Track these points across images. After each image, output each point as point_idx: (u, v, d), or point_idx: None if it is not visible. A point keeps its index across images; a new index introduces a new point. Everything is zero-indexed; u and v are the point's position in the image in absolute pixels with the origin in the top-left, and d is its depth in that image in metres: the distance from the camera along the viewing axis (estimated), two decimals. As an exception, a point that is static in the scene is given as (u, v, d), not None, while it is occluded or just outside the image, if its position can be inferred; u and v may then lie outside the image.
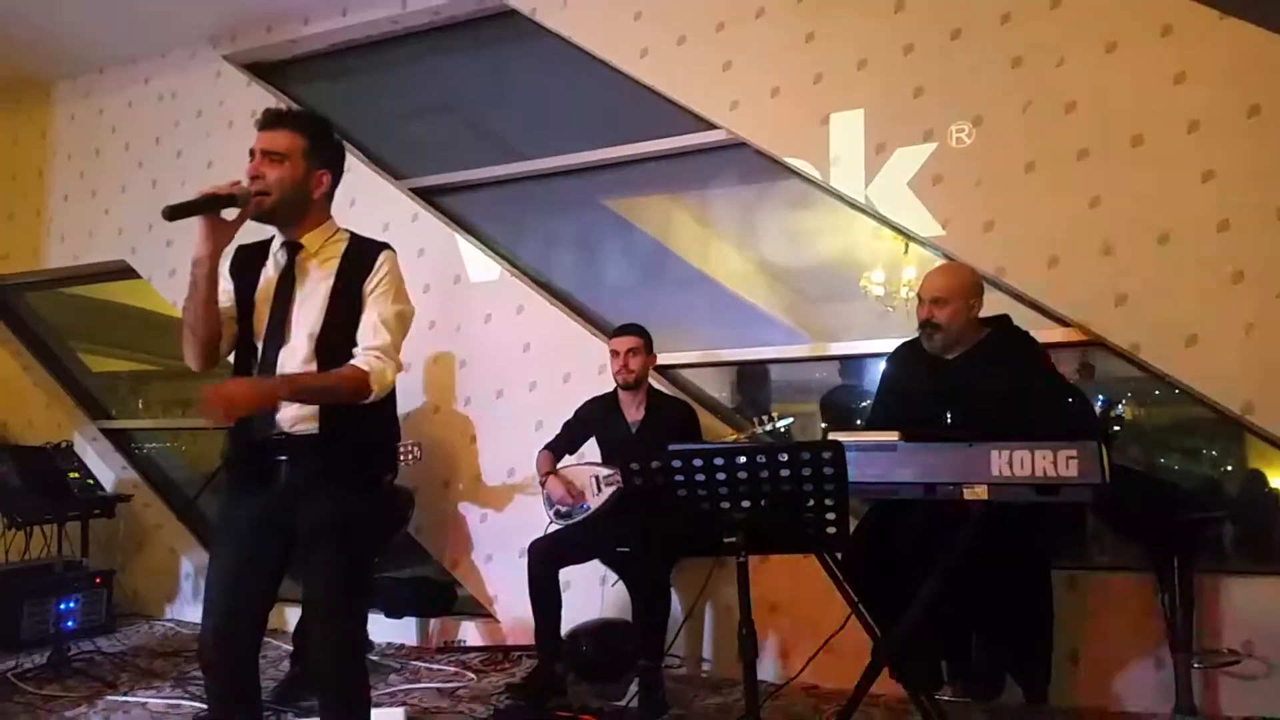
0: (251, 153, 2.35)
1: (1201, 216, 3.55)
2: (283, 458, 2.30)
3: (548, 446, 4.13)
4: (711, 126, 4.52)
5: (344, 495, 2.30)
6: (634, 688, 3.71)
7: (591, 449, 4.20)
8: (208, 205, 2.24)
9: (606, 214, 5.13)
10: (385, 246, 2.45)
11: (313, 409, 2.29)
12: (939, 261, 3.93)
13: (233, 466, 2.41)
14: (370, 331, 2.33)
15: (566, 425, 4.16)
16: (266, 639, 4.61)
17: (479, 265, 4.96)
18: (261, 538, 2.32)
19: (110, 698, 3.93)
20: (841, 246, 4.63)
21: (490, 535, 4.76)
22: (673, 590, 3.88)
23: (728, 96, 4.45)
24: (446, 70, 5.42)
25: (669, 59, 4.59)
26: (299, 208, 2.37)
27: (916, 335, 3.33)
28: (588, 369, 4.47)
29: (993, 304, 3.51)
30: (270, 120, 2.38)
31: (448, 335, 4.94)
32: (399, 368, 2.37)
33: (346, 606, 2.33)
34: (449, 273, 4.99)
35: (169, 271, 5.56)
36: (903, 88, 4.09)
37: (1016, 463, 2.52)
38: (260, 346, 2.34)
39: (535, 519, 4.15)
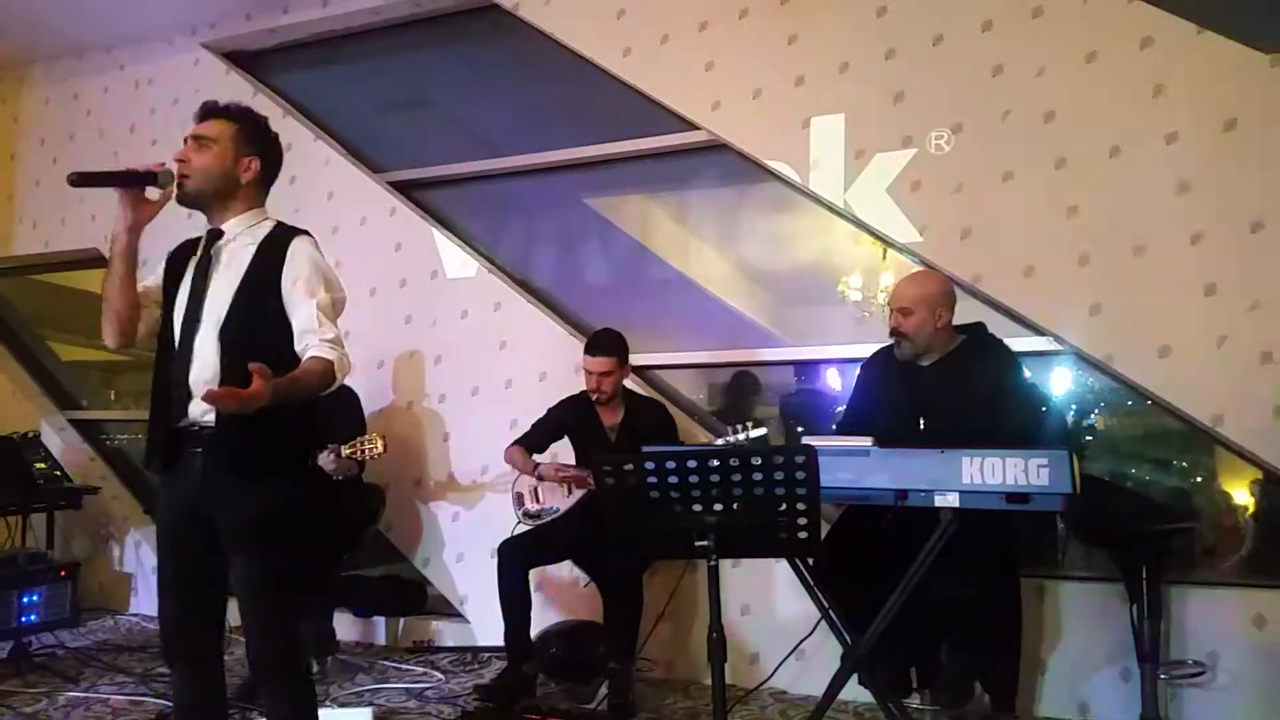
0: (185, 141, 2.39)
1: (1176, 228, 3.57)
2: (197, 449, 2.30)
3: (518, 442, 4.10)
4: (693, 127, 4.51)
5: (255, 491, 2.29)
6: (604, 690, 3.70)
7: (563, 448, 4.17)
8: (120, 180, 2.30)
9: (587, 212, 5.11)
10: (302, 233, 2.43)
11: None
12: (916, 268, 3.93)
13: (153, 456, 2.40)
14: (316, 322, 2.30)
15: (539, 423, 4.13)
16: (230, 636, 4.61)
17: (456, 261, 4.92)
18: (194, 535, 2.32)
19: (71, 693, 3.88)
20: (820, 251, 4.63)
21: (462, 534, 4.72)
22: (644, 592, 3.87)
23: (709, 97, 4.44)
24: (427, 63, 5.38)
25: (651, 58, 4.57)
26: (225, 193, 2.39)
27: (891, 342, 3.33)
28: (564, 368, 4.45)
29: (969, 311, 3.52)
30: (205, 111, 2.43)
31: (423, 331, 4.91)
32: (347, 355, 2.36)
33: (268, 602, 2.34)
34: (426, 268, 4.95)
35: (141, 260, 5.48)
36: (883, 93, 4.10)
37: (988, 470, 2.53)
38: (177, 334, 2.36)
39: (508, 519, 4.12)
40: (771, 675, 3.05)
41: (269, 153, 2.46)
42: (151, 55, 5.82)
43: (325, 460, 3.90)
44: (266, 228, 2.44)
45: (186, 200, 2.38)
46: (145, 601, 5.53)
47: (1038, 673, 3.58)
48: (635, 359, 4.46)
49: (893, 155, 4.09)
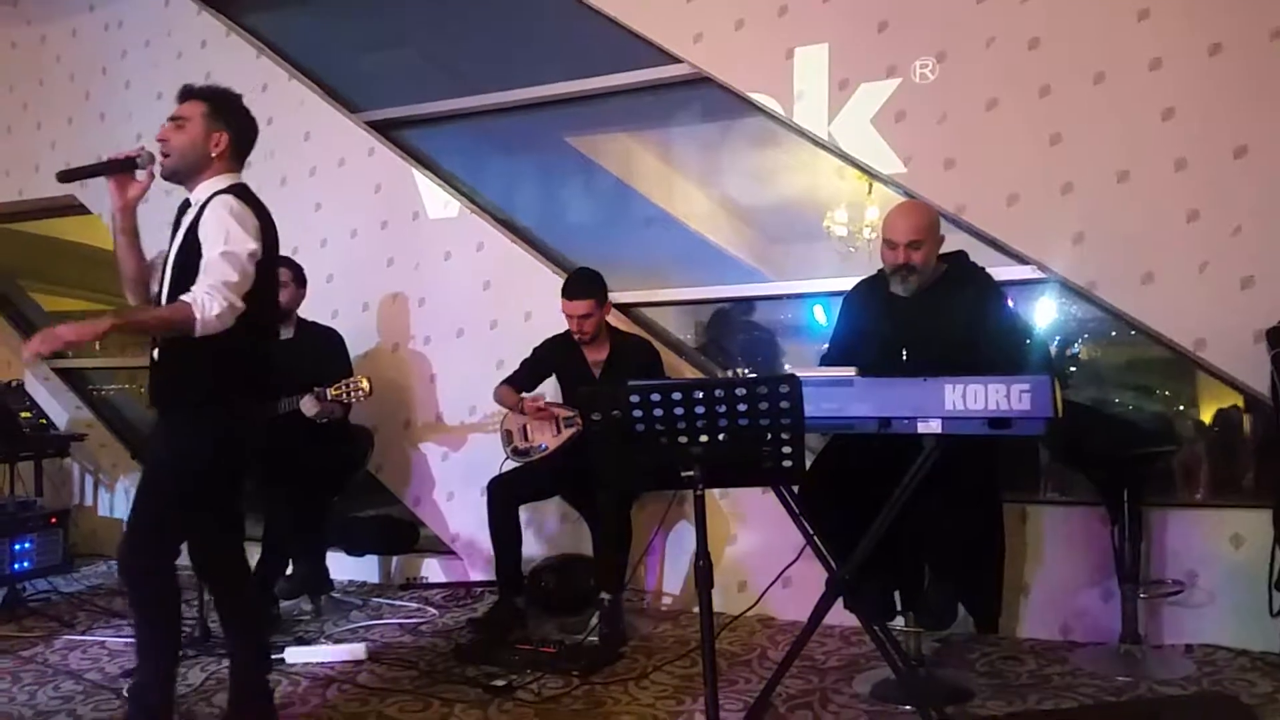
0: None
1: (1160, 155, 3.56)
2: (144, 388, 2.71)
3: (507, 381, 4.11)
4: (675, 60, 4.45)
5: (163, 426, 2.67)
6: (595, 621, 3.75)
7: (551, 387, 4.19)
8: (105, 169, 2.62)
9: (569, 151, 5.06)
10: (223, 192, 2.63)
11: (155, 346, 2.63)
12: (900, 200, 3.91)
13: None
14: (202, 271, 2.50)
15: (525, 362, 4.14)
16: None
17: (438, 202, 4.88)
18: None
19: (68, 637, 3.92)
20: (805, 186, 4.61)
21: (452, 474, 4.75)
22: (632, 524, 3.91)
23: (691, 29, 4.37)
24: (403, 0, 5.27)
25: (631, -11, 4.50)
26: (198, 166, 2.66)
27: (875, 274, 3.33)
28: (549, 307, 4.40)
29: (953, 241, 3.51)
30: (181, 95, 2.72)
31: (406, 273, 4.88)
32: (228, 305, 2.47)
33: (135, 517, 2.66)
34: (407, 209, 4.91)
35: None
36: (867, 21, 4.04)
37: (970, 397, 2.53)
38: (161, 291, 2.67)
39: (496, 457, 4.15)
40: (758, 601, 3.09)
41: (238, 126, 2.71)
42: (121, -4, 5.69)
43: (307, 404, 3.90)
44: (215, 188, 2.65)
45: (168, 176, 2.67)
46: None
47: (1021, 595, 3.65)
48: (620, 297, 4.48)
49: (877, 85, 4.05)
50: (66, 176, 2.60)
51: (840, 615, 2.92)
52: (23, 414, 5.05)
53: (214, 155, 2.66)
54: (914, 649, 3.16)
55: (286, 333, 4.21)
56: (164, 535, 2.65)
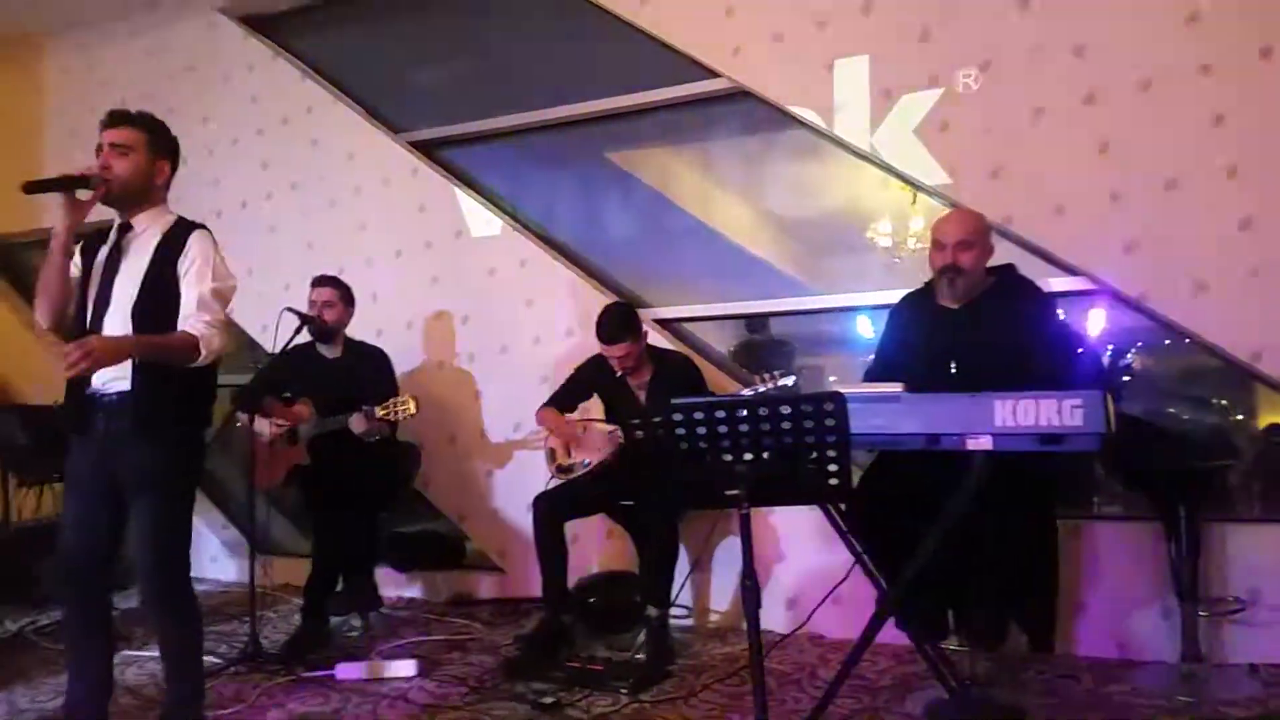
0: (99, 148, 2.67)
1: (1211, 162, 3.49)
2: (101, 413, 2.63)
3: (550, 402, 4.12)
4: (714, 75, 4.45)
5: (152, 450, 2.63)
6: (641, 638, 3.74)
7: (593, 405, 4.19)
8: (65, 184, 2.58)
9: (609, 167, 5.07)
10: (199, 227, 2.76)
11: (125, 370, 2.60)
12: (947, 211, 3.87)
13: (65, 419, 2.72)
14: (197, 304, 2.64)
15: (567, 383, 4.14)
16: (277, 594, 4.72)
17: (480, 220, 4.91)
18: (96, 483, 2.66)
19: (126, 652, 3.97)
20: (847, 197, 4.57)
21: (497, 489, 4.77)
22: (678, 541, 3.89)
23: (730, 43, 4.37)
24: (444, 21, 5.33)
25: (670, 5, 4.51)
26: (141, 193, 2.70)
27: (921, 286, 3.29)
28: (591, 323, 4.40)
29: (999, 253, 3.46)
30: (116, 119, 2.71)
31: (450, 291, 4.92)
32: (224, 338, 2.70)
33: (158, 543, 2.67)
34: (450, 228, 4.95)
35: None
36: (909, 32, 4.02)
37: (1021, 412, 2.50)
38: (89, 314, 2.67)
39: (541, 473, 4.16)
40: (807, 620, 3.06)
41: (174, 158, 2.80)
42: (166, 22, 5.81)
43: (356, 422, 3.94)
44: (169, 221, 2.76)
45: (110, 200, 2.67)
46: (192, 564, 5.63)
47: (1076, 613, 3.58)
48: (662, 312, 4.48)
49: (920, 95, 4.02)
50: (31, 188, 2.56)
51: (892, 633, 2.88)
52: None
53: (157, 184, 2.75)
54: (967, 668, 3.11)
55: (334, 352, 4.27)
56: (187, 555, 2.80)
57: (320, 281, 4.27)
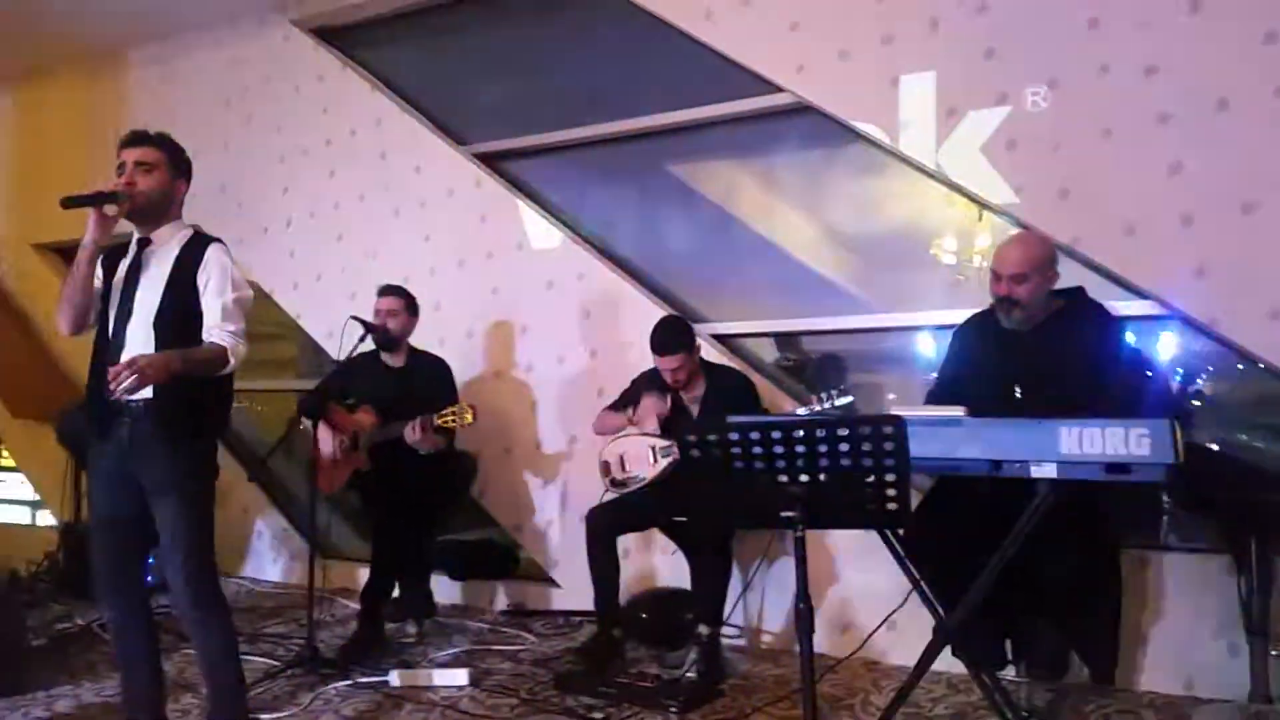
0: (121, 165, 2.79)
1: (1290, 184, 3.39)
2: (125, 419, 2.72)
3: (610, 408, 4.13)
4: (778, 89, 4.44)
5: (174, 454, 2.73)
6: (692, 656, 3.72)
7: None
8: (99, 199, 2.69)
9: (670, 180, 5.08)
10: (215, 241, 2.87)
11: None
12: (1013, 230, 3.82)
13: (89, 423, 2.82)
14: (220, 315, 2.75)
15: (627, 392, 4.15)
16: (335, 599, 4.79)
17: (541, 232, 4.96)
18: (122, 489, 2.76)
19: (187, 650, 4.06)
20: (912, 213, 4.51)
21: (551, 501, 4.80)
22: (732, 558, 3.88)
23: (794, 59, 4.35)
24: (509, 34, 5.38)
25: (734, 20, 4.50)
26: (162, 209, 2.82)
27: (986, 307, 3.24)
28: (648, 336, 4.45)
29: (1068, 274, 3.40)
30: (137, 139, 2.84)
31: (509, 302, 4.97)
32: (246, 346, 2.80)
33: (182, 547, 2.74)
34: (511, 240, 5.00)
35: (239, 236, 5.62)
36: (975, 49, 3.96)
37: (1086, 440, 2.44)
38: (111, 324, 2.78)
39: (594, 486, 4.16)
40: (862, 645, 3.02)
41: (189, 176, 2.92)
42: (243, 34, 5.96)
43: (407, 433, 3.98)
44: (186, 235, 2.87)
45: (132, 215, 2.78)
46: (253, 565, 5.77)
47: (1140, 646, 3.48)
48: (719, 328, 4.47)
49: (986, 113, 3.97)
50: (68, 203, 2.68)
51: (948, 661, 2.84)
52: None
53: (176, 200, 2.87)
54: (1025, 699, 3.05)
55: (397, 360, 4.33)
56: (212, 556, 2.86)
57: (385, 291, 4.34)
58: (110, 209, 2.70)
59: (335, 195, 5.57)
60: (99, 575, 2.83)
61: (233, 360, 2.74)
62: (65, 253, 6.72)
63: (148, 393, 2.68)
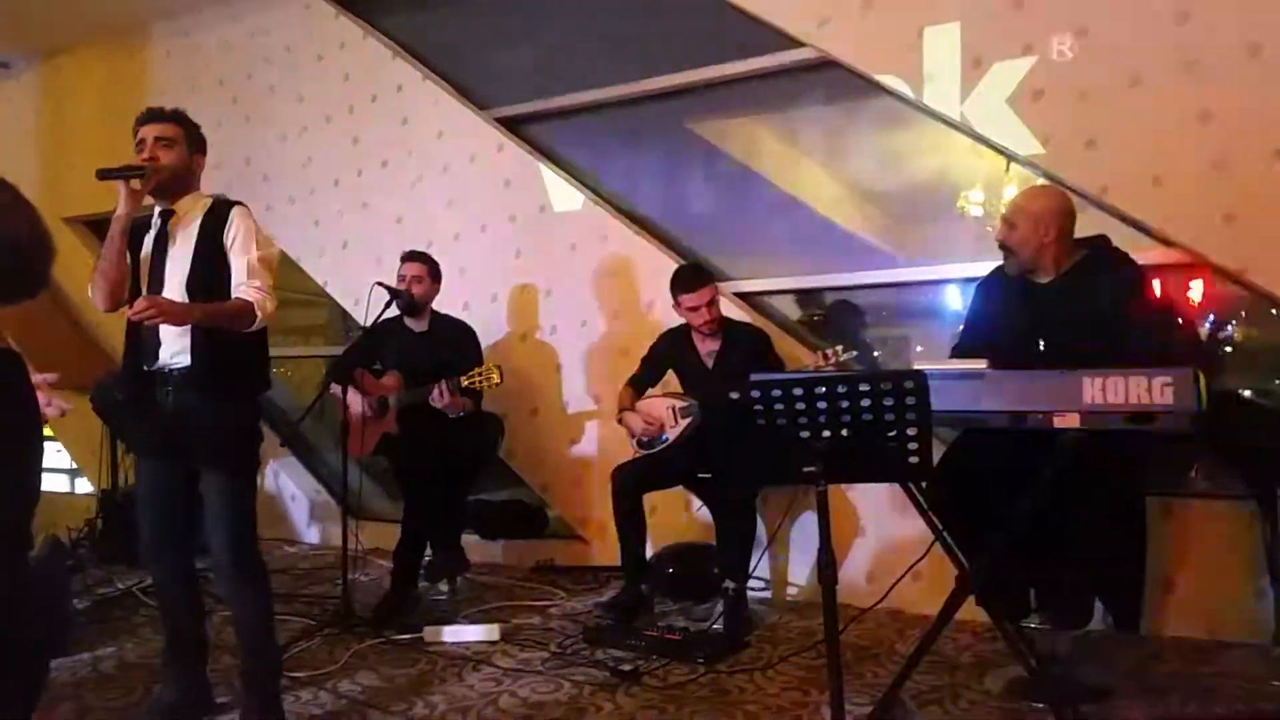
0: (141, 142, 2.84)
1: (1322, 129, 3.33)
2: (168, 388, 2.78)
3: (629, 382, 4.18)
4: (799, 45, 4.40)
5: (219, 418, 2.78)
6: (719, 609, 3.78)
7: (674, 377, 4.22)
8: (128, 173, 2.75)
9: (691, 138, 5.06)
10: (237, 204, 2.91)
11: (185, 345, 2.76)
12: (1040, 180, 3.79)
13: (127, 392, 2.88)
14: (247, 272, 2.80)
15: (644, 360, 4.20)
16: (369, 558, 4.88)
17: (563, 195, 4.97)
18: (167, 455, 2.83)
19: (223, 613, 4.15)
20: (937, 166, 4.48)
21: (578, 461, 4.85)
22: (756, 513, 3.91)
23: (817, 13, 4.31)
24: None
25: (755, -26, 4.46)
26: (183, 183, 2.89)
27: (1007, 261, 3.23)
28: (670, 297, 4.46)
29: (1095, 224, 3.38)
30: (155, 115, 2.89)
31: (532, 265, 5.00)
32: (274, 302, 2.82)
33: (230, 512, 2.79)
34: (534, 203, 5.02)
35: (265, 206, 5.69)
36: (1000, -2, 3.91)
37: (1110, 390, 2.43)
38: (143, 293, 2.79)
39: (621, 445, 4.21)
40: (885, 595, 3.05)
41: (204, 150, 2.98)
42: (264, 5, 5.99)
43: (434, 397, 4.03)
44: (208, 203, 2.92)
45: (156, 190, 2.83)
46: (287, 528, 5.88)
47: (1164, 592, 3.50)
48: (742, 285, 4.49)
49: (1012, 64, 3.92)
50: (102, 175, 2.75)
51: (972, 610, 2.86)
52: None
53: (195, 173, 2.94)
54: (1050, 647, 3.07)
55: (420, 325, 4.37)
56: (254, 521, 2.91)
57: (409, 257, 4.37)
58: (136, 183, 2.75)
59: (359, 163, 5.60)
60: (146, 540, 2.89)
61: (259, 314, 2.77)
62: (94, 225, 6.81)
63: (186, 359, 2.75)
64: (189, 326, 2.75)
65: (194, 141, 2.92)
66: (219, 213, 2.87)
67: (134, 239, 2.86)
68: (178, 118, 2.91)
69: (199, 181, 2.96)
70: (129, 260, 2.86)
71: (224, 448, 2.80)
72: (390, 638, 3.71)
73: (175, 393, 2.77)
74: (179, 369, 2.77)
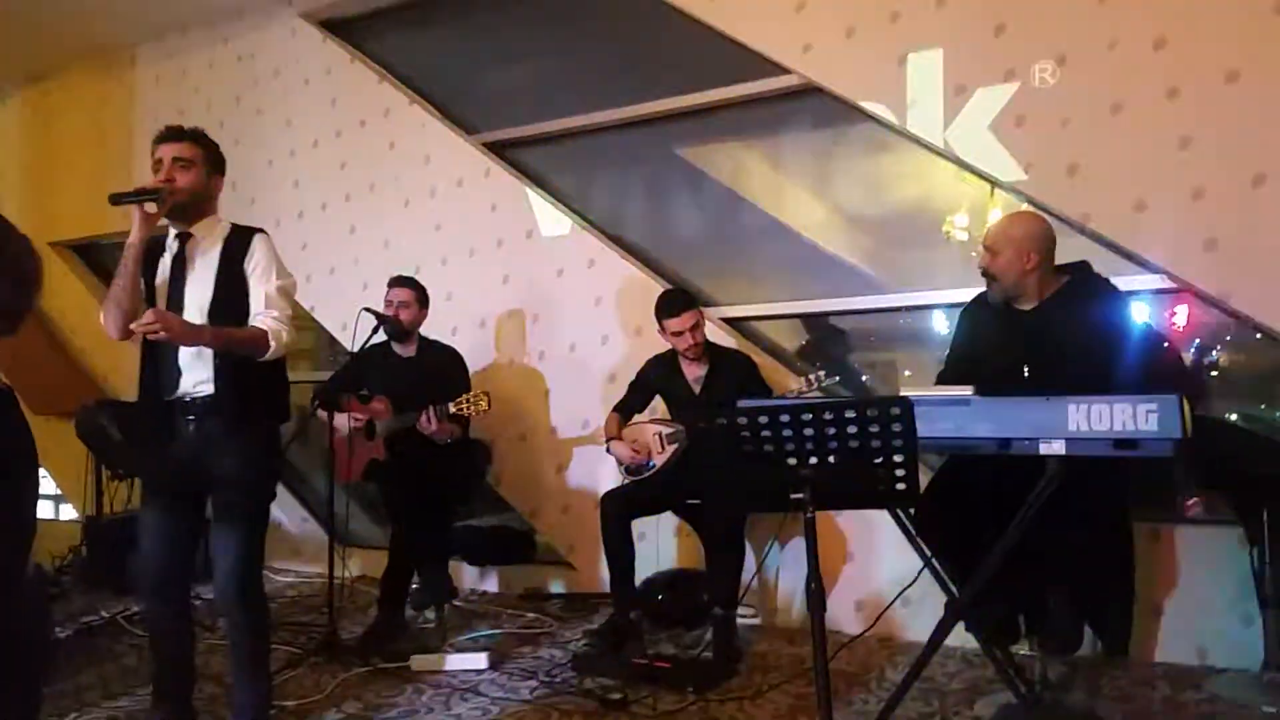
0: (158, 162, 2.78)
1: (1301, 155, 3.37)
2: (190, 417, 2.74)
3: (616, 408, 4.18)
4: (784, 71, 4.43)
5: (241, 448, 2.76)
6: (708, 636, 3.76)
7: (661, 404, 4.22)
8: (142, 196, 2.68)
9: (678, 163, 5.08)
10: (259, 231, 2.89)
11: (209, 374, 2.73)
12: (1023, 206, 3.82)
13: (147, 422, 2.85)
14: (265, 301, 2.79)
15: (632, 386, 4.20)
16: (355, 586, 4.84)
17: (550, 220, 4.98)
18: (181, 487, 2.77)
19: (209, 640, 4.12)
20: (922, 191, 4.51)
21: (566, 487, 4.84)
22: (744, 539, 3.90)
23: (800, 39, 4.35)
24: (515, 22, 5.38)
25: (739, 2, 4.49)
26: (201, 205, 2.83)
27: (991, 288, 3.25)
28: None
29: (1078, 250, 3.39)
30: (173, 134, 2.83)
31: (520, 290, 5.00)
32: (292, 332, 2.83)
33: (242, 540, 2.77)
34: (521, 228, 5.02)
35: (253, 230, 5.67)
36: (983, 25, 3.95)
37: (1094, 417, 2.45)
38: None
39: (610, 471, 4.21)
40: (875, 622, 3.05)
41: (224, 171, 2.92)
42: (252, 28, 5.99)
43: (423, 424, 4.01)
44: (225, 229, 2.88)
45: (172, 212, 2.76)
46: (273, 555, 5.81)
47: (1154, 617, 3.50)
48: (728, 311, 4.49)
49: (995, 90, 3.96)
50: (115, 199, 2.67)
51: (963, 636, 2.86)
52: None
53: (214, 195, 2.88)
54: (1040, 673, 3.06)
55: (408, 351, 4.36)
56: (263, 552, 2.90)
57: (396, 282, 4.37)
58: (151, 206, 2.69)
59: (346, 187, 5.60)
60: (152, 579, 2.80)
61: (273, 344, 2.75)
62: (81, 250, 6.80)
63: (209, 388, 2.72)
64: (210, 355, 2.71)
65: (213, 162, 2.87)
66: (242, 239, 2.84)
67: (148, 261, 2.79)
68: (197, 137, 2.85)
69: (216, 204, 2.91)
70: (144, 285, 2.79)
71: (244, 478, 2.77)
72: (377, 666, 3.68)
73: (197, 422, 2.74)
74: (202, 398, 2.73)
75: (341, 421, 4.23)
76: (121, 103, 6.56)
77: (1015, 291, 3.09)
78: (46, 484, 7.17)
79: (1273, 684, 3.10)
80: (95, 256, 6.90)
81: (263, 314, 2.76)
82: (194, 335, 2.67)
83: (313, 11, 5.77)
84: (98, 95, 6.70)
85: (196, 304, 2.75)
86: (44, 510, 7.35)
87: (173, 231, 2.84)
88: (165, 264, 2.82)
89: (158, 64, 6.44)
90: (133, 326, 2.61)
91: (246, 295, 2.79)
